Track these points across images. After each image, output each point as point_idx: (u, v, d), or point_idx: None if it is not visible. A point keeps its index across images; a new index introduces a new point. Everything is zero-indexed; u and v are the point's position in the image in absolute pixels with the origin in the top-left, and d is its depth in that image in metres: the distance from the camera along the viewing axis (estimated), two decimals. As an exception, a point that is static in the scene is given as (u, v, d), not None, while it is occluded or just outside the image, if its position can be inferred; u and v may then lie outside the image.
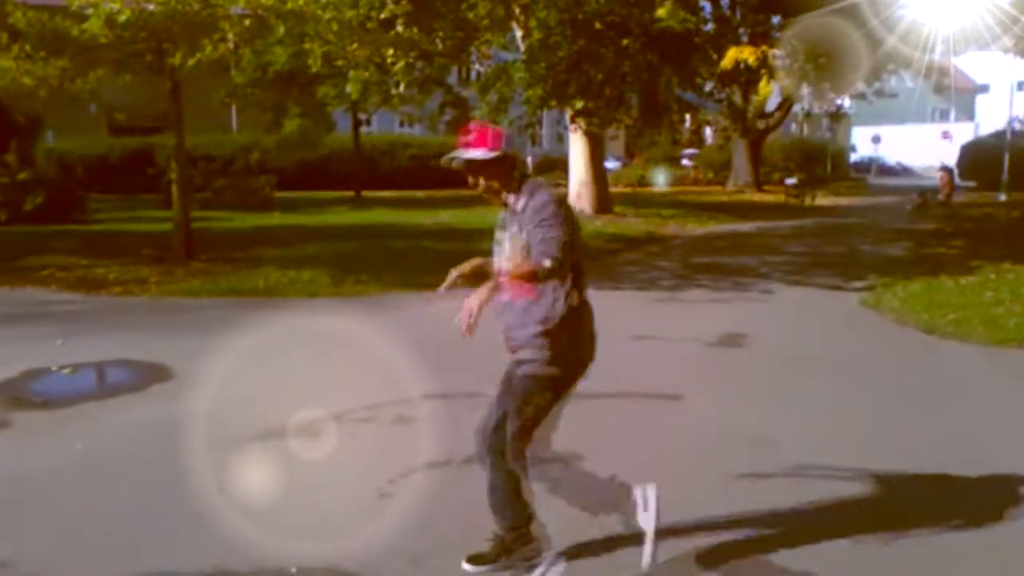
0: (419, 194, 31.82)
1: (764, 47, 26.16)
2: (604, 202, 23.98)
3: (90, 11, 12.47)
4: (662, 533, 3.86)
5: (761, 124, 37.40)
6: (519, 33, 21.59)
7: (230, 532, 4.24)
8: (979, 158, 41.62)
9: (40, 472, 5.12)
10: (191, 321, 9.77)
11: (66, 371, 7.42)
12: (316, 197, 28.56)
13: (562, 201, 3.74)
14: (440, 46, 21.84)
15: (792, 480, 5.00)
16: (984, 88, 66.80)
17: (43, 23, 12.74)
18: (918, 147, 60.57)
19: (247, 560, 3.99)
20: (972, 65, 65.21)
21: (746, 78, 30.28)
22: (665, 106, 24.47)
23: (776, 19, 29.07)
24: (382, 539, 4.22)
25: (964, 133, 55.51)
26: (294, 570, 3.90)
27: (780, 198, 31.04)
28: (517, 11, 20.77)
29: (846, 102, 45.09)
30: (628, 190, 35.83)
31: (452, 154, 3.97)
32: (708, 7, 29.89)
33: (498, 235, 4.01)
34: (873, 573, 3.93)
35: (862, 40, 24.27)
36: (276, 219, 21.27)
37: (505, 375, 3.92)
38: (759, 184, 36.98)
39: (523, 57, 20.36)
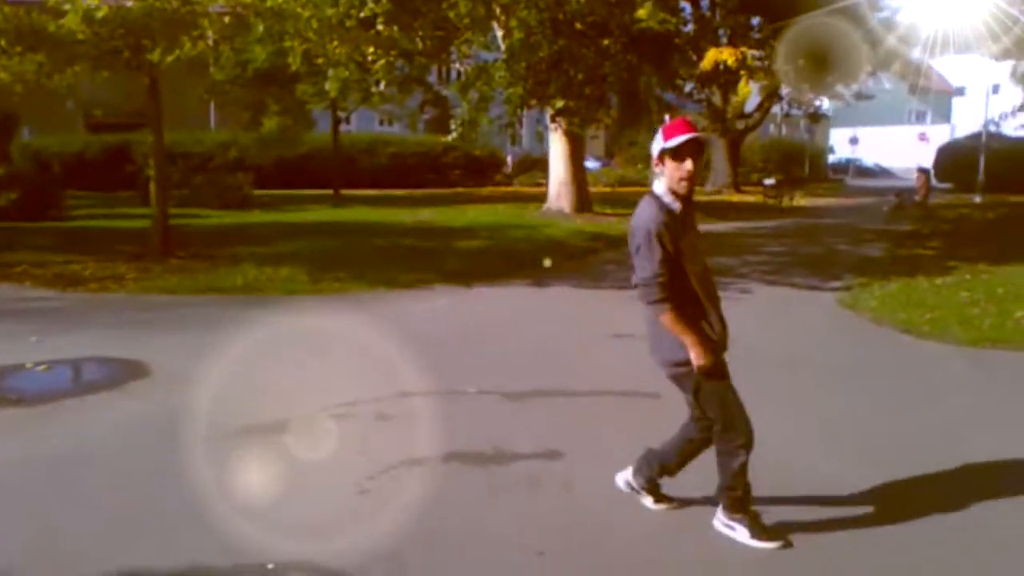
0: (399, 192, 31.76)
1: (743, 48, 26.29)
2: (584, 201, 24.03)
3: (68, 7, 12.37)
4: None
5: (740, 125, 37.57)
6: (500, 32, 21.60)
7: (206, 528, 4.23)
8: (955, 160, 41.93)
9: (15, 469, 5.08)
10: (168, 318, 9.71)
11: (41, 368, 7.35)
12: (295, 195, 28.49)
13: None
14: (420, 45, 21.81)
15: (772, 477, 5.01)
16: (960, 91, 67.46)
17: (20, 18, 12.61)
18: (895, 149, 60.98)
19: (223, 556, 3.97)
20: (949, 68, 65.85)
21: (725, 79, 30.41)
22: (645, 106, 24.49)
23: (755, 20, 29.20)
24: (361, 536, 4.22)
25: (941, 135, 55.93)
26: (271, 566, 3.89)
27: (758, 199, 31.18)
28: (498, 11, 20.75)
29: (825, 104, 45.37)
30: (608, 190, 35.90)
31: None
32: (688, 8, 30.00)
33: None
34: (855, 568, 3.95)
35: (841, 42, 24.43)
36: (255, 217, 21.19)
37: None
38: (738, 185, 37.14)
39: (504, 56, 20.35)
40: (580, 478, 4.93)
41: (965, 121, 58.55)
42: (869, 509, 4.62)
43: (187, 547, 4.04)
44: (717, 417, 4.07)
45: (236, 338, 8.56)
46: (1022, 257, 14.22)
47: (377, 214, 22.67)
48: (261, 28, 14.33)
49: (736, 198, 33.53)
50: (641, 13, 19.56)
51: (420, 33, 20.86)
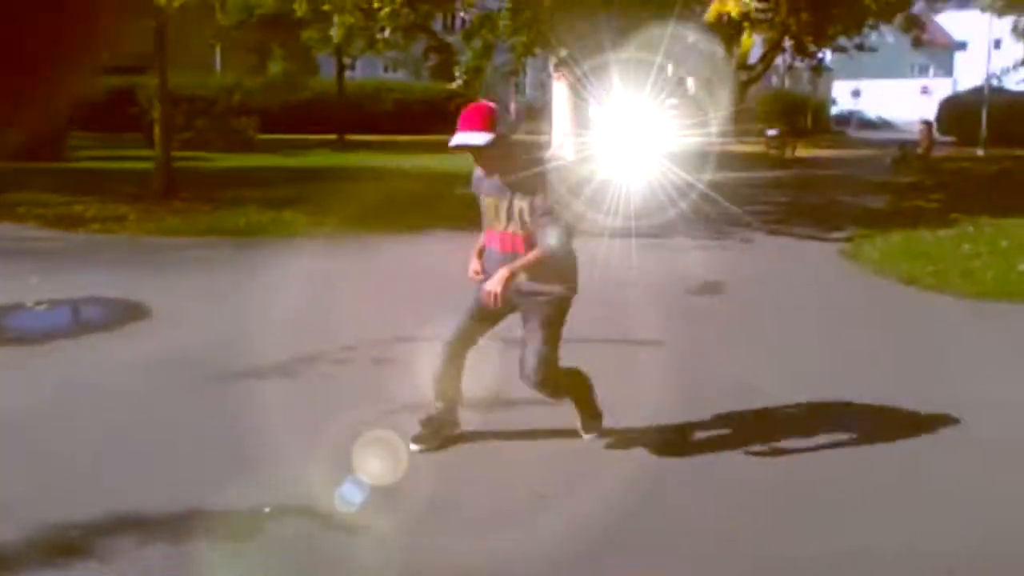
0: (402, 138, 31.59)
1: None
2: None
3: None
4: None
5: (743, 76, 37.20)
6: (505, -20, 21.32)
7: (203, 472, 4.24)
8: (958, 113, 41.67)
9: (13, 407, 5.08)
10: (169, 260, 9.71)
11: (41, 307, 7.37)
12: (299, 140, 28.34)
13: (561, 180, 4.30)
14: (425, -8, 21.55)
15: (771, 424, 5.05)
16: (962, 45, 66.86)
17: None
18: (898, 102, 60.64)
19: (221, 500, 3.95)
20: (951, 22, 65.20)
21: (728, 31, 30.07)
22: (648, 57, 24.26)
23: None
24: (356, 480, 4.23)
25: (943, 89, 55.51)
26: (267, 510, 3.88)
27: (761, 149, 31.00)
28: (503, -43, 20.50)
29: (827, 56, 44.91)
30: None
31: (456, 140, 4.24)
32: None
33: (490, 200, 4.46)
34: (850, 515, 3.98)
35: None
36: (258, 160, 21.11)
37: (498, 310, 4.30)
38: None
39: (508, 6, 20.13)
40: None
41: (967, 75, 58.11)
42: (869, 452, 4.64)
43: (184, 489, 4.04)
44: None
45: (237, 280, 8.58)
46: (1025, 211, 14.17)
47: (380, 159, 22.59)
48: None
49: (739, 148, 33.32)
50: (646, -38, 19.33)
51: (426, -20, 20.62)
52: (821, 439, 4.83)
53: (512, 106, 42.74)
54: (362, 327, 6.77)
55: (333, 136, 29.36)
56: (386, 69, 39.14)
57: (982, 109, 35.43)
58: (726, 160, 26.66)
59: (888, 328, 7.60)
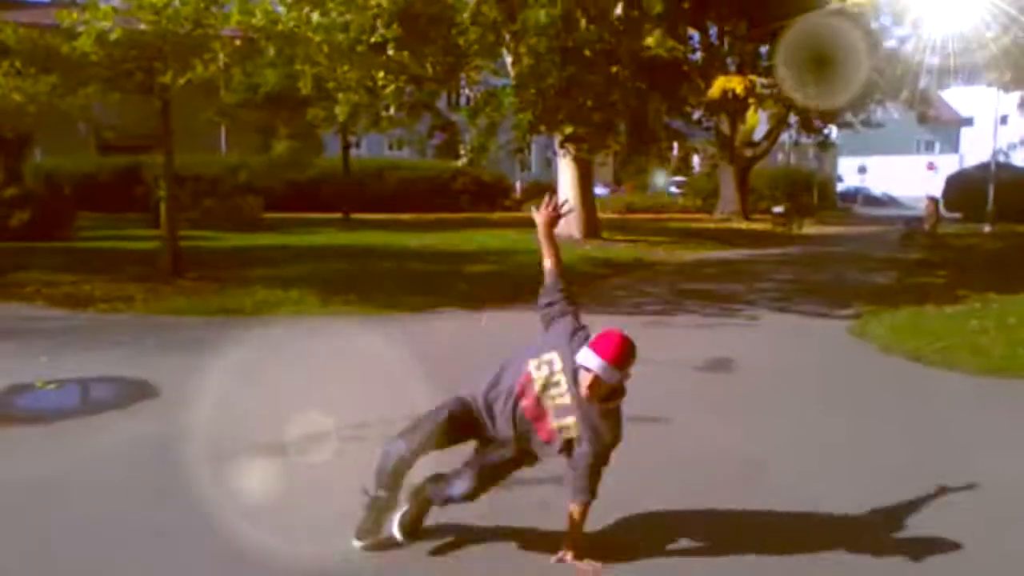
0: (408, 217, 31.84)
1: (752, 76, 26.40)
2: (592, 227, 24.04)
3: (81, 28, 12.45)
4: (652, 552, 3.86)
5: (748, 152, 37.61)
6: (509, 59, 21.70)
7: (214, 549, 4.23)
8: (964, 189, 41.93)
9: (22, 486, 5.08)
10: (177, 339, 9.72)
11: (51, 387, 7.37)
12: (305, 218, 28.54)
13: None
14: (430, 71, 21.90)
15: (778, 503, 5.00)
16: (969, 121, 67.50)
17: (34, 40, 12.75)
18: (904, 178, 61.03)
19: (234, 573, 3.96)
20: (957, 98, 65.97)
21: (734, 107, 30.51)
22: (653, 133, 24.59)
23: (764, 49, 29.33)
24: (368, 554, 4.20)
25: (949, 165, 55.95)
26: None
27: (767, 226, 31.17)
28: (507, 37, 20.86)
29: (833, 132, 45.44)
30: (617, 216, 35.95)
31: (591, 364, 3.88)
32: (696, 36, 30.14)
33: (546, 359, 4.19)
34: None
35: (849, 70, 24.51)
36: (265, 239, 21.23)
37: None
38: (746, 212, 37.13)
39: (513, 83, 20.45)
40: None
41: (973, 151, 58.60)
42: (877, 534, 4.60)
43: (193, 566, 4.03)
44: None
45: (245, 359, 8.56)
46: (1032, 286, 14.18)
47: (386, 238, 22.70)
48: (272, 52, 14.44)
49: (744, 225, 33.52)
50: (650, 41, 19.67)
51: (430, 59, 20.96)
52: (827, 516, 4.81)
53: (517, 183, 43.24)
54: (372, 405, 6.74)
55: (338, 215, 29.57)
56: (391, 147, 39.64)
57: (988, 185, 35.66)
58: (732, 237, 26.86)
59: (895, 405, 7.56)
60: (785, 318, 12.21)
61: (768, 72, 28.32)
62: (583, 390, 3.89)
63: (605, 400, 3.95)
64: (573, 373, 3.95)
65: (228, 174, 31.33)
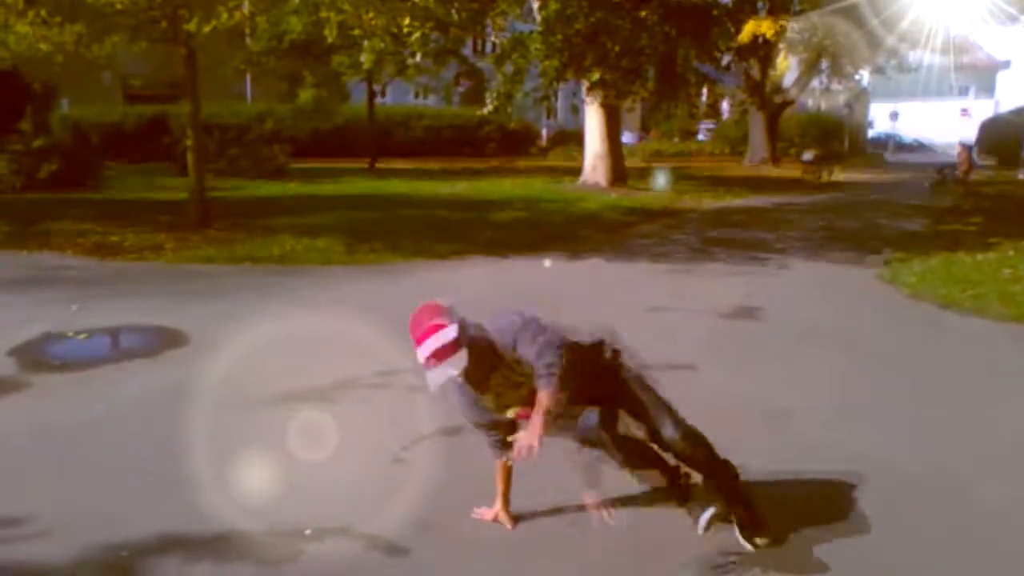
0: (433, 165, 31.76)
1: (782, 20, 25.92)
2: (619, 175, 23.87)
3: (106, -24, 12.42)
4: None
5: (778, 98, 37.11)
6: (535, 4, 21.45)
7: (245, 494, 4.28)
8: (998, 135, 41.17)
9: (59, 431, 5.18)
10: (206, 287, 9.79)
11: (82, 336, 7.45)
12: (330, 167, 28.52)
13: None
14: (456, 16, 21.72)
15: (803, 452, 4.99)
16: (1005, 64, 66.04)
17: (59, -11, 12.69)
18: (937, 124, 60.04)
19: (262, 521, 4.02)
20: (994, 41, 64.49)
21: (764, 52, 30.04)
22: (682, 78, 24.28)
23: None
24: (395, 503, 4.24)
25: (984, 110, 54.96)
26: (308, 531, 3.93)
27: (797, 173, 30.82)
28: (534, -19, 20.64)
29: (865, 77, 44.72)
30: (644, 164, 35.70)
31: (431, 375, 3.55)
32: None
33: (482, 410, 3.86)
34: (880, 546, 3.93)
35: (881, 13, 24.02)
36: (291, 188, 21.26)
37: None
38: (775, 159, 36.74)
39: (539, 28, 20.22)
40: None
41: (1010, 95, 57.44)
42: (902, 481, 4.59)
43: (226, 511, 4.09)
44: None
45: (273, 307, 8.63)
46: (1066, 233, 13.98)
47: (412, 186, 22.67)
48: (297, -1, 14.33)
49: (774, 172, 33.18)
50: (679, -17, 19.36)
51: (456, 4, 20.77)
52: (850, 461, 4.81)
53: (543, 131, 42.99)
54: (398, 354, 6.75)
55: (364, 163, 29.53)
56: (416, 95, 39.41)
57: (1023, 130, 34.96)
58: (762, 184, 26.61)
59: (924, 352, 7.50)
60: (814, 266, 12.11)
61: (799, 15, 27.83)
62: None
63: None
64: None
65: (254, 123, 31.30)
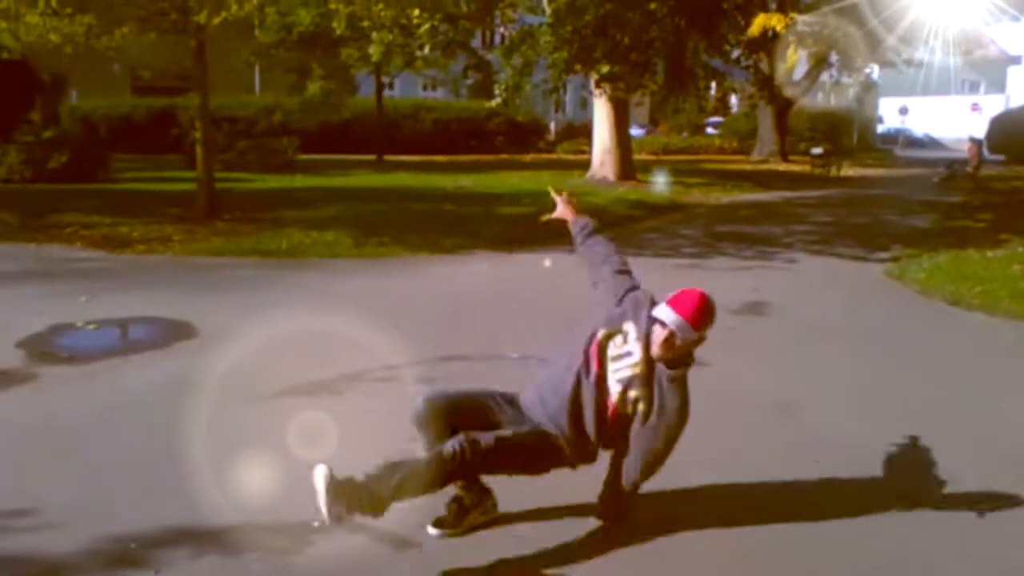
0: (441, 158, 31.74)
1: (793, 14, 25.81)
2: (627, 168, 23.82)
3: (115, -33, 12.44)
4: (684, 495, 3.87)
5: (788, 93, 36.95)
6: (545, -4, 21.39)
7: (252, 486, 4.28)
8: (1009, 131, 40.95)
9: (67, 423, 5.18)
10: (214, 279, 9.81)
11: (91, 327, 7.47)
12: (338, 160, 28.53)
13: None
14: (465, 8, 21.68)
15: (812, 445, 4.99)
16: (1016, 60, 65.69)
17: (69, -21, 12.70)
18: (946, 119, 59.76)
19: (270, 513, 4.03)
20: (1005, 36, 64.15)
21: (773, 45, 29.91)
22: (691, 72, 24.19)
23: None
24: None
25: (995, 105, 54.67)
26: (316, 524, 3.92)
27: (806, 168, 30.76)
28: (543, -26, 20.57)
29: (874, 72, 44.52)
30: (652, 157, 35.61)
31: (682, 331, 3.59)
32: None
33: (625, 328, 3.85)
34: (887, 539, 3.92)
35: (888, 8, 23.91)
36: (299, 181, 21.26)
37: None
38: (784, 154, 36.63)
39: (548, 20, 20.17)
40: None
41: (1021, 91, 57.14)
42: (910, 477, 4.60)
43: (234, 502, 4.10)
44: None
45: (281, 300, 8.65)
46: (1077, 230, 13.92)
47: (420, 179, 22.66)
48: (307, -10, 14.31)
49: (783, 167, 33.11)
50: (689, -23, 19.28)
51: (465, -3, 20.73)
52: (856, 458, 4.82)
53: (552, 125, 42.91)
54: (406, 346, 6.77)
55: (372, 156, 29.51)
56: (425, 88, 39.40)
57: (1034, 126, 34.78)
58: (770, 178, 26.55)
59: (932, 349, 7.49)
60: (822, 261, 12.09)
61: (809, 9, 27.69)
62: (655, 348, 3.60)
63: (673, 364, 3.63)
64: (646, 339, 3.67)
65: (262, 115, 31.34)
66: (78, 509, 4.06)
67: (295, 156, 25.44)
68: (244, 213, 14.45)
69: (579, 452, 3.83)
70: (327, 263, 10.99)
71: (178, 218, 13.74)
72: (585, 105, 27.32)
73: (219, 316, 7.80)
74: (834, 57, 33.78)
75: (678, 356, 3.63)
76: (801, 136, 41.25)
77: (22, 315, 7.70)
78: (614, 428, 3.75)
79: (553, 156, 36.94)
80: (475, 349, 6.84)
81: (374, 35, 20.14)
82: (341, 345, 6.92)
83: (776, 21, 24.87)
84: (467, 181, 22.55)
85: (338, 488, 3.49)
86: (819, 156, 30.70)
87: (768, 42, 26.09)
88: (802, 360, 7.04)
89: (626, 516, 3.92)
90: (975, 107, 56.16)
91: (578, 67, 20.94)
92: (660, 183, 20.76)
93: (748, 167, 32.33)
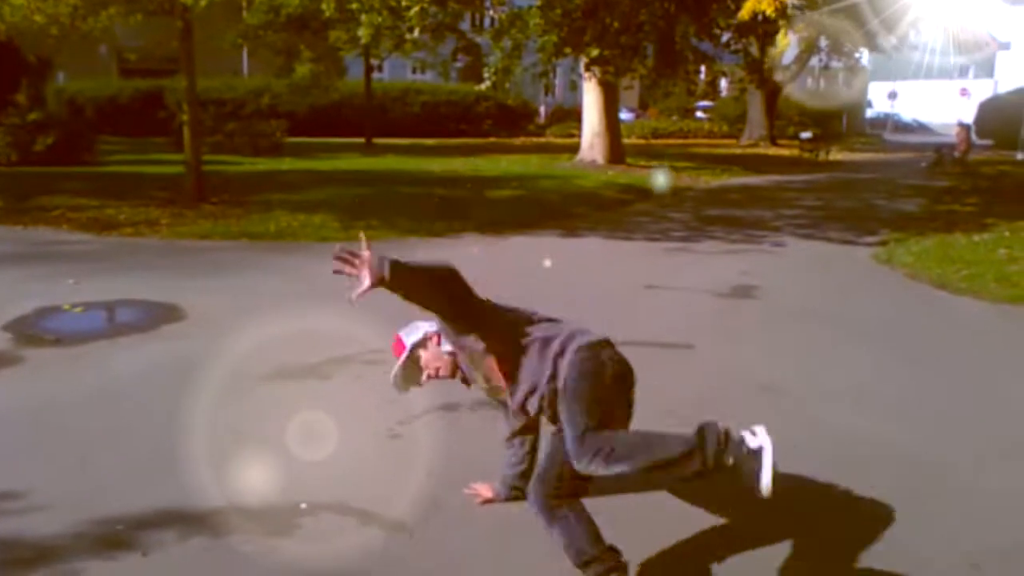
0: (430, 141, 31.65)
1: (783, -1, 25.76)
2: (617, 152, 23.82)
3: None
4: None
5: (777, 77, 36.95)
6: (535, -23, 21.29)
7: (240, 468, 4.29)
8: (998, 116, 40.97)
9: (54, 406, 5.17)
10: (202, 262, 9.79)
11: (78, 310, 7.45)
12: (327, 143, 28.44)
13: None
14: (455, -9, 21.54)
15: (799, 428, 5.00)
16: (1005, 45, 65.79)
17: (54, -41, 12.60)
18: (935, 104, 59.88)
19: (258, 496, 4.04)
20: (994, 21, 64.19)
21: (764, 29, 29.87)
22: (681, 56, 24.14)
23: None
24: (391, 478, 4.26)
25: (983, 90, 54.76)
26: (304, 505, 3.94)
27: (795, 152, 30.80)
28: (533, -44, 20.45)
29: (864, 56, 44.50)
30: (642, 141, 35.59)
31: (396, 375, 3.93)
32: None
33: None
34: (873, 523, 3.94)
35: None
36: (287, 164, 21.19)
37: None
38: (774, 138, 36.66)
39: (538, 3, 20.07)
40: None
41: (1009, 76, 57.24)
42: (895, 458, 4.61)
43: (222, 485, 4.10)
44: None
45: (269, 283, 8.63)
46: (1063, 215, 13.98)
47: (409, 163, 22.62)
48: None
49: (772, 151, 33.13)
50: (679, -40, 19.22)
51: (455, -22, 20.61)
52: (845, 437, 4.85)
53: (541, 108, 42.82)
54: (392, 330, 6.76)
55: (361, 139, 29.40)
56: (414, 71, 39.21)
57: (1023, 111, 34.78)
58: (759, 163, 26.56)
59: (919, 332, 7.51)
60: (810, 245, 12.11)
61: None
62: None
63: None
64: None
65: (250, 98, 31.19)
66: (65, 492, 4.06)
67: (283, 139, 25.34)
68: (232, 196, 14.40)
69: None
70: (315, 246, 10.93)
71: (165, 201, 13.68)
72: (575, 88, 27.19)
73: (207, 299, 7.78)
74: (823, 41, 33.76)
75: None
76: (790, 120, 41.30)
77: (8, 298, 7.66)
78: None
79: (543, 140, 36.90)
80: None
81: (363, 17, 19.98)
82: (329, 328, 6.90)
83: (767, 5, 24.83)
84: (457, 164, 22.52)
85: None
86: (808, 140, 30.74)
87: (758, 26, 26.05)
88: (790, 342, 7.06)
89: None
90: (964, 92, 56.23)
91: (568, 50, 20.83)
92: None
93: (737, 151, 32.35)
